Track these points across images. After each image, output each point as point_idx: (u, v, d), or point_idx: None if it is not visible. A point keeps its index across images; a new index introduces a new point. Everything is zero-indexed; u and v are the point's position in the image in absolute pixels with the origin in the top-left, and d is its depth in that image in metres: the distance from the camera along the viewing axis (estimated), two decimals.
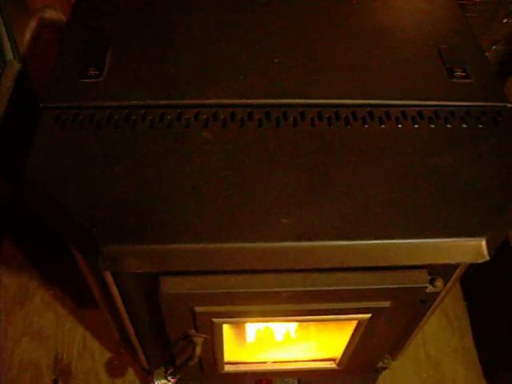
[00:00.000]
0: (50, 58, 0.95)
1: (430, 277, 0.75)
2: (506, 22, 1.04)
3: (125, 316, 0.84)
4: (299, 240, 0.66)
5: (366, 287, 0.74)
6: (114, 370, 1.36)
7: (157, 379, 0.92)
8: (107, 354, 1.38)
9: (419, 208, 0.70)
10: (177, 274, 0.72)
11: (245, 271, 0.73)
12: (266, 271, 0.73)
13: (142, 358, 1.03)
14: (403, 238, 0.67)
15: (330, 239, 0.67)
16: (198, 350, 0.83)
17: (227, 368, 0.99)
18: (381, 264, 0.69)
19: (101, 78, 0.84)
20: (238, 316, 0.79)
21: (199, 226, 0.67)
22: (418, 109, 0.83)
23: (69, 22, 0.94)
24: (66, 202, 0.69)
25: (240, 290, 0.73)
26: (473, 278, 1.43)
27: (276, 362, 1.01)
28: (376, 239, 0.67)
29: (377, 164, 0.75)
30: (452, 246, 0.68)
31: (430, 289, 0.76)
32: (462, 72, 0.87)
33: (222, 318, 0.79)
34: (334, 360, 1.00)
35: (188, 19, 0.94)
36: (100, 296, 0.88)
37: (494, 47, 1.09)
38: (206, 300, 0.74)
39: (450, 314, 1.48)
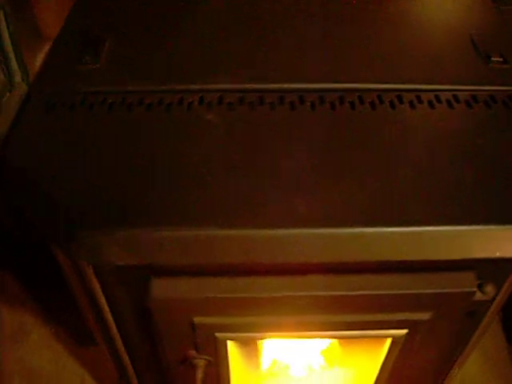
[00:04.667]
0: None
1: (478, 281, 0.62)
2: None
3: (115, 333, 0.71)
4: (317, 226, 0.55)
5: (401, 292, 0.61)
6: None
7: None
8: None
9: (459, 192, 0.58)
10: (171, 274, 0.61)
11: (253, 272, 0.61)
12: (279, 272, 0.61)
13: None
14: (444, 225, 0.55)
15: (354, 225, 0.55)
16: (200, 375, 0.69)
17: None
18: (416, 257, 0.57)
19: (97, 65, 0.76)
20: (246, 330, 0.66)
21: (197, 210, 0.56)
22: (453, 93, 0.72)
23: (68, 16, 0.88)
24: (45, 184, 0.59)
25: (248, 295, 0.60)
26: None
27: None
28: (411, 225, 0.55)
29: (407, 146, 0.64)
30: (501, 235, 0.56)
31: (478, 296, 0.63)
32: (500, 57, 0.78)
33: (227, 332, 0.66)
34: None
35: (192, 8, 0.87)
36: (90, 313, 0.75)
37: None
38: (207, 308, 0.62)
39: (491, 355, 1.30)
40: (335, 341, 0.80)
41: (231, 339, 0.68)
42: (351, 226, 0.55)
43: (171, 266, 0.61)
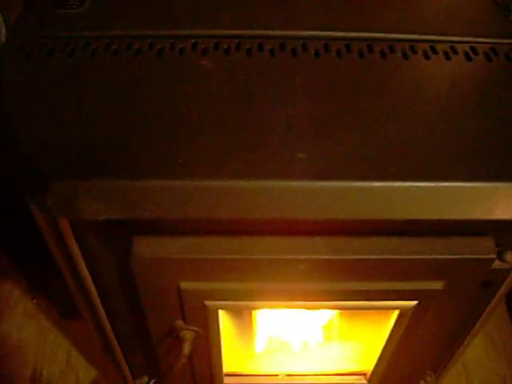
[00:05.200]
0: None
1: (497, 249, 0.56)
2: None
3: (97, 301, 0.65)
4: (319, 179, 0.49)
5: (412, 257, 0.55)
6: None
7: None
8: (93, 373, 1.19)
9: (479, 145, 0.53)
10: (156, 233, 0.54)
11: (248, 231, 0.55)
12: (277, 232, 0.55)
13: (125, 367, 0.84)
14: (463, 181, 0.49)
15: (360, 178, 0.49)
16: (187, 348, 0.63)
17: (227, 381, 0.78)
18: (431, 216, 0.51)
19: (81, 9, 0.69)
20: (239, 298, 0.60)
21: (186, 160, 0.49)
22: (470, 45, 0.66)
23: None
24: (19, 133, 0.53)
25: (242, 257, 0.54)
26: None
27: (291, 376, 0.80)
28: (426, 181, 0.49)
29: (420, 96, 0.58)
30: None
31: (497, 264, 0.57)
32: None
33: (218, 300, 0.60)
34: (363, 375, 0.79)
35: None
36: (71, 279, 0.69)
37: None
38: (196, 272, 0.56)
39: (495, 337, 1.25)
40: (336, 313, 0.74)
41: (222, 308, 0.62)
42: (359, 179, 0.49)
43: (156, 224, 0.54)
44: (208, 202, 0.48)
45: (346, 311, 0.72)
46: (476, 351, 1.22)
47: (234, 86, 0.58)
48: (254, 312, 0.72)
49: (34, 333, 1.26)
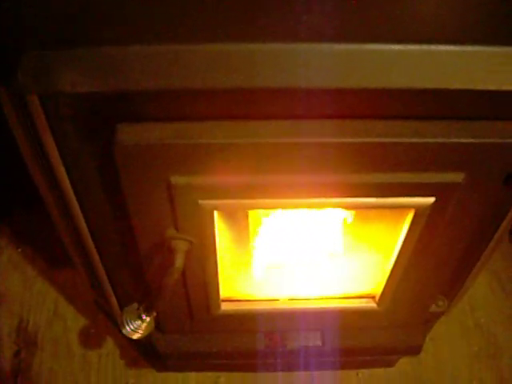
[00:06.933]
0: None
1: None
2: None
3: (76, 209, 0.59)
4: (327, 41, 0.42)
5: (429, 141, 0.48)
6: (88, 339, 1.11)
7: (127, 319, 0.66)
8: (82, 321, 1.14)
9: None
10: (142, 119, 0.48)
11: (247, 113, 0.48)
12: (280, 114, 0.48)
13: (113, 299, 0.78)
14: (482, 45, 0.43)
15: (374, 40, 0.42)
16: (179, 260, 0.57)
17: (224, 307, 0.72)
18: (457, 85, 0.44)
19: None
20: (237, 196, 0.53)
21: (178, 23, 0.43)
22: None
23: None
24: None
25: (239, 141, 0.48)
26: None
27: (293, 300, 0.74)
28: (451, 44, 0.42)
29: None
30: None
31: None
32: None
33: (214, 199, 0.53)
34: (372, 297, 0.74)
35: None
36: (45, 188, 0.61)
37: None
38: (188, 162, 0.49)
39: (501, 276, 1.21)
40: (344, 218, 0.67)
41: (219, 209, 0.55)
42: (373, 41, 0.42)
43: (141, 109, 0.48)
44: (201, 68, 0.42)
45: (354, 215, 0.66)
46: (482, 290, 1.18)
47: None
48: (252, 220, 0.66)
49: (19, 283, 1.20)
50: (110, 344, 1.10)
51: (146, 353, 1.04)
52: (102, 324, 1.12)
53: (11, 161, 0.72)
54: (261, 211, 0.67)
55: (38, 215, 1.15)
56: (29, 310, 1.16)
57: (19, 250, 1.25)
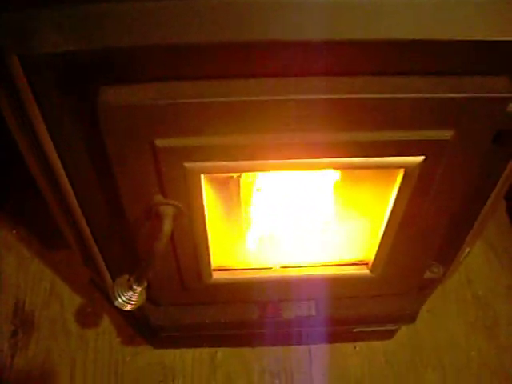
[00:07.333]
0: None
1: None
2: None
3: (63, 178, 0.58)
4: None
5: (417, 96, 0.47)
6: (85, 318, 1.11)
7: (119, 290, 0.66)
8: (78, 300, 1.13)
9: None
10: (125, 82, 0.47)
11: (232, 73, 0.47)
12: (266, 73, 0.47)
13: (106, 273, 0.77)
14: None
15: None
16: (167, 225, 0.56)
17: (216, 276, 0.72)
18: (446, 36, 0.43)
19: None
20: (224, 157, 0.52)
21: None
22: None
23: None
24: None
25: (225, 99, 0.47)
26: None
27: (286, 268, 0.74)
28: None
29: None
30: None
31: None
32: None
33: (200, 161, 0.52)
34: (365, 264, 0.73)
35: None
36: (31, 157, 0.60)
37: None
38: (172, 124, 0.48)
39: (497, 248, 1.21)
40: (334, 181, 0.66)
41: (206, 172, 0.54)
42: None
43: (124, 70, 0.47)
44: (183, 23, 0.41)
45: (345, 178, 0.65)
46: (479, 262, 1.18)
47: None
48: (243, 188, 0.65)
49: (15, 264, 1.20)
50: (106, 322, 1.10)
51: (142, 330, 1.04)
52: (99, 303, 1.12)
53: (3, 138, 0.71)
54: (251, 178, 0.67)
55: (32, 197, 1.15)
56: (25, 290, 1.16)
57: (14, 231, 1.25)
